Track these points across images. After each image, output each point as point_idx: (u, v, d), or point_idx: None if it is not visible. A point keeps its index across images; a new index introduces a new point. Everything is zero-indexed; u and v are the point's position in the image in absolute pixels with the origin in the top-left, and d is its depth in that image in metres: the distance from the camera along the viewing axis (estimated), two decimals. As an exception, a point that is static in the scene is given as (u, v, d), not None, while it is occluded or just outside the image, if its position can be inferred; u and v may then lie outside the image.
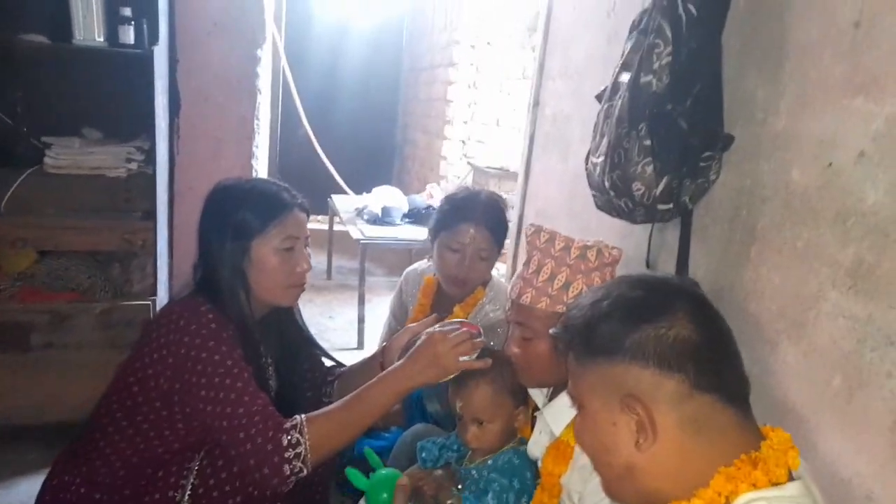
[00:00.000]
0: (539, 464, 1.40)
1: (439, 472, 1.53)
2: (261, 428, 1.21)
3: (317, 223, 5.37)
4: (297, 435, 1.22)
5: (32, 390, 2.09)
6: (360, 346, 3.37)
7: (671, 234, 1.71)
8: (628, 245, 1.94)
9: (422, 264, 2.17)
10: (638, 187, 1.55)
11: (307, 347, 1.64)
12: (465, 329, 1.34)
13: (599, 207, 1.78)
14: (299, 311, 1.60)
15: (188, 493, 1.30)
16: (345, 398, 1.31)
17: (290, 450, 1.20)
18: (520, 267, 1.37)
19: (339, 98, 6.21)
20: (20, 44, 1.95)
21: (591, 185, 1.77)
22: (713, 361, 0.78)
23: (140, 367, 1.34)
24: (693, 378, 0.75)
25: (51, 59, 2.10)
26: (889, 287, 1.10)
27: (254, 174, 2.73)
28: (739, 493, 0.71)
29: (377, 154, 6.63)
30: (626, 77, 1.59)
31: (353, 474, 1.42)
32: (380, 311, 3.53)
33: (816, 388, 1.22)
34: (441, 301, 2.02)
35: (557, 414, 1.34)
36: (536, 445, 1.41)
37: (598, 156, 1.69)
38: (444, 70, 5.25)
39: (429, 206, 3.74)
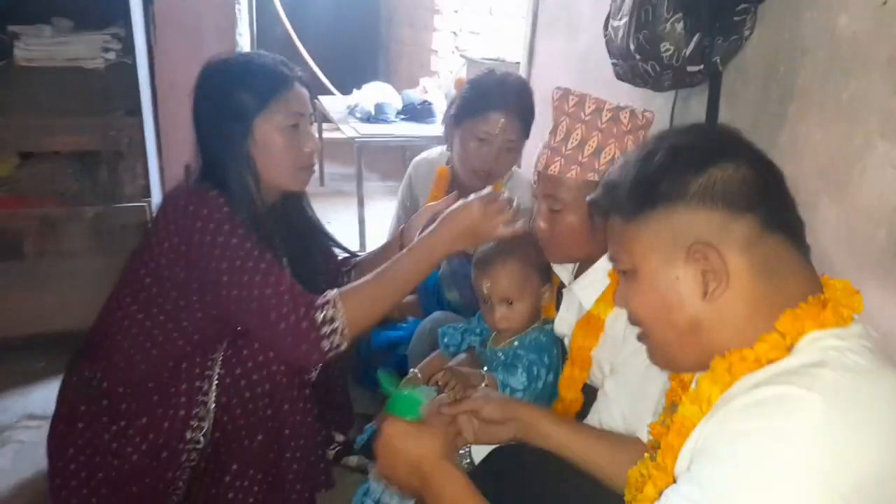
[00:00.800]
0: (567, 341, 1.38)
1: (462, 356, 1.50)
2: (293, 306, 1.16)
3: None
4: (332, 310, 1.18)
5: (31, 300, 2.02)
6: (363, 248, 3.31)
7: (696, 101, 1.61)
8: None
9: (432, 153, 2.05)
10: (666, 48, 1.44)
11: (319, 237, 1.56)
12: (504, 197, 1.26)
13: (620, 77, 1.68)
14: (308, 199, 1.51)
15: (215, 382, 1.26)
16: (375, 271, 1.25)
17: (326, 325, 1.16)
18: (545, 135, 1.27)
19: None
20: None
21: (611, 52, 1.66)
22: (780, 199, 0.73)
23: (151, 259, 1.27)
24: (764, 217, 0.71)
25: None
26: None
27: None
28: (806, 332, 0.67)
29: (360, 53, 6.29)
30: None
31: (385, 378, 1.37)
32: (377, 214, 3.45)
33: (859, 245, 1.18)
34: (458, 194, 1.92)
35: (587, 288, 1.30)
36: (563, 322, 1.38)
37: (620, 17, 1.56)
38: (430, -44, 4.90)
39: (424, 102, 3.56)
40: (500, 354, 1.41)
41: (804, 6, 1.30)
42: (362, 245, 3.39)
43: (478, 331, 1.53)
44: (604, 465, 1.07)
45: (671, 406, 0.89)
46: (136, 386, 1.28)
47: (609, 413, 1.21)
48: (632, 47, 1.50)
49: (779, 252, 0.72)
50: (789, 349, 0.67)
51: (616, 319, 1.24)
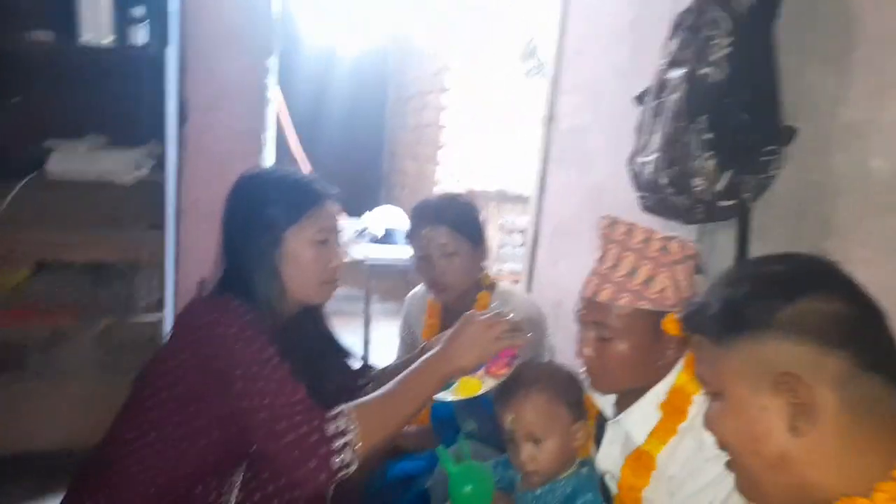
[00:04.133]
0: (608, 478, 1.30)
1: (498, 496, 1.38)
2: (303, 418, 1.10)
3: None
4: (345, 423, 1.11)
5: (28, 416, 1.90)
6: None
7: (722, 236, 1.64)
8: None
9: (421, 288, 2.08)
10: (698, 183, 1.49)
11: (336, 350, 1.52)
12: (497, 311, 1.28)
13: (648, 209, 1.71)
14: (325, 312, 1.48)
15: None
16: (385, 386, 1.20)
17: (338, 439, 1.09)
18: (592, 263, 1.27)
19: (322, 125, 6.13)
20: (23, 42, 1.82)
21: (638, 186, 1.71)
22: (878, 338, 0.71)
23: (168, 371, 1.21)
24: (858, 355, 0.68)
25: (55, 58, 1.96)
26: None
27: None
28: None
29: (362, 184, 6.55)
30: (677, 73, 1.54)
31: (445, 455, 1.28)
32: (378, 335, 3.40)
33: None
34: (449, 318, 1.90)
35: (637, 422, 1.24)
36: (607, 458, 1.29)
37: (649, 154, 1.63)
38: (435, 96, 5.22)
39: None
40: (538, 498, 1.30)
41: (834, 149, 1.37)
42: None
43: (505, 476, 1.41)
44: None
45: None
46: None
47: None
48: (663, 181, 1.55)
49: (877, 393, 0.68)
50: None
51: (670, 457, 1.17)
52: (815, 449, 0.69)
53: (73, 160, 1.94)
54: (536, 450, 1.26)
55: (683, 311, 0.85)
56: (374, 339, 3.37)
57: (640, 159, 1.68)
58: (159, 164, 2.04)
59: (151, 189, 2.03)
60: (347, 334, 1.42)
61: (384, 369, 1.55)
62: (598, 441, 1.34)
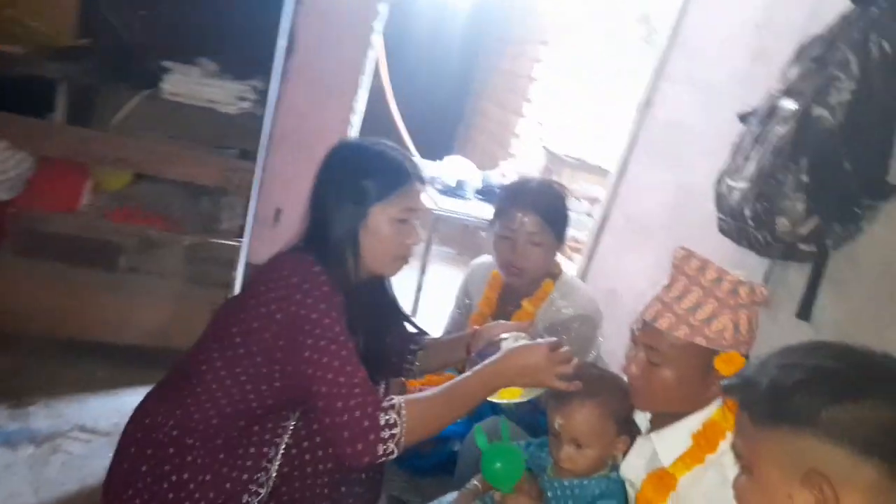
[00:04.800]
0: (629, 486, 1.37)
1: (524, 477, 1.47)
2: (360, 402, 1.18)
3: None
4: (395, 416, 1.19)
5: (111, 310, 2.10)
6: (415, 314, 3.35)
7: (795, 273, 1.62)
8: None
9: (487, 258, 2.12)
10: (783, 223, 1.48)
11: (397, 317, 1.62)
12: (567, 349, 1.32)
13: (724, 232, 1.71)
14: (390, 280, 1.57)
15: (281, 451, 1.28)
16: (443, 386, 1.27)
17: (387, 430, 1.17)
18: (658, 289, 1.30)
19: (409, 58, 6.07)
20: (149, -38, 1.91)
21: (720, 207, 1.69)
22: None
23: (245, 319, 1.31)
24: (894, 468, 0.70)
25: (181, -20, 2.05)
26: None
27: (349, 129, 2.68)
28: None
29: (444, 120, 6.52)
30: (789, 104, 1.50)
31: (480, 433, 1.39)
32: (437, 282, 3.50)
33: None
34: (508, 295, 1.97)
35: (668, 444, 1.29)
36: (631, 468, 1.36)
37: (740, 180, 1.60)
38: (533, 47, 5.09)
39: (501, 186, 3.66)
40: (557, 486, 1.39)
41: (932, 218, 1.33)
42: (415, 310, 3.44)
43: (536, 457, 1.50)
44: None
45: None
46: (206, 440, 1.29)
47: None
48: (747, 213, 1.53)
49: None
50: None
51: (692, 484, 1.23)
52: None
53: (186, 83, 2.06)
54: (577, 453, 1.34)
55: (732, 380, 0.88)
56: (427, 280, 3.46)
57: (729, 181, 1.66)
58: (261, 99, 2.12)
59: (250, 120, 2.13)
60: (402, 275, 1.48)
61: (436, 340, 1.63)
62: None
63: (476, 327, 1.58)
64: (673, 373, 1.23)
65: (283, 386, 1.32)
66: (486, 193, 3.69)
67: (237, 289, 2.27)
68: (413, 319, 1.70)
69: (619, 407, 1.33)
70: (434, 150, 4.86)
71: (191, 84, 2.05)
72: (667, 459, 1.28)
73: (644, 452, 1.35)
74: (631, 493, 1.36)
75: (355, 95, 2.60)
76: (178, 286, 2.12)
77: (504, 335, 1.44)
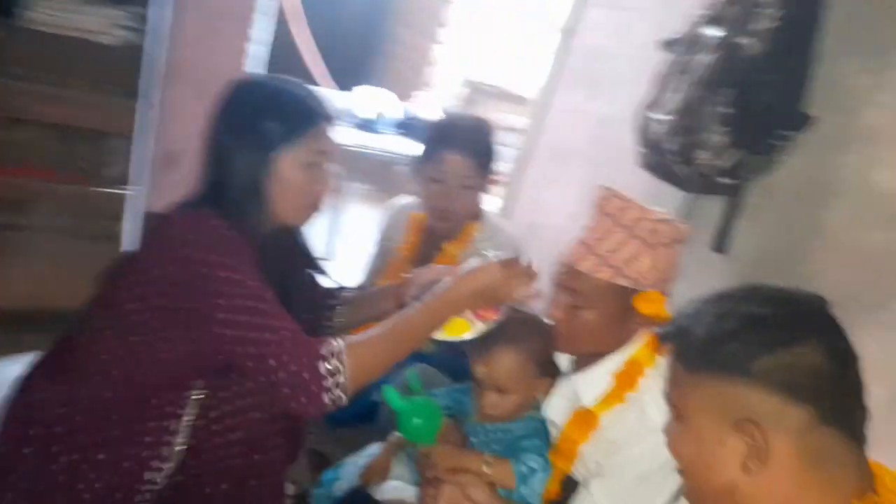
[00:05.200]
0: (551, 427, 1.37)
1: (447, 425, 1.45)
2: (294, 355, 1.10)
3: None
4: (337, 362, 1.11)
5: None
6: (330, 256, 3.22)
7: (711, 203, 1.63)
8: (658, 206, 1.86)
9: (405, 199, 2.03)
10: (703, 156, 1.46)
11: (311, 271, 1.51)
12: (522, 261, 1.25)
13: (645, 166, 1.68)
14: (302, 231, 1.45)
15: (186, 423, 1.18)
16: (384, 324, 1.20)
17: (329, 378, 1.09)
18: (580, 229, 1.26)
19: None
20: None
21: (642, 141, 1.66)
22: (845, 395, 0.74)
23: (137, 283, 1.18)
24: (824, 410, 0.71)
25: None
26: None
27: (245, 59, 2.45)
28: None
29: (358, 46, 6.18)
30: (714, 32, 1.45)
31: (390, 393, 1.33)
32: (355, 221, 3.38)
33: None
34: (430, 238, 1.90)
35: (589, 384, 1.29)
36: (554, 409, 1.36)
37: (663, 113, 1.57)
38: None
39: (423, 120, 3.50)
40: (490, 433, 1.38)
41: (843, 150, 1.34)
42: (332, 254, 3.31)
43: (460, 402, 1.48)
44: None
45: None
46: (98, 417, 1.18)
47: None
48: (668, 147, 1.51)
49: (832, 445, 0.72)
50: None
51: (614, 423, 1.24)
52: (762, 487, 0.73)
53: (50, 9, 1.77)
54: (500, 399, 1.32)
55: (668, 328, 0.86)
56: (344, 221, 3.33)
57: (651, 115, 1.62)
58: (144, 27, 1.88)
59: (133, 52, 1.89)
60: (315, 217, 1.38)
61: (360, 294, 1.54)
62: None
63: (406, 275, 1.48)
64: (595, 314, 1.22)
65: (186, 352, 1.21)
66: (407, 127, 3.53)
67: (127, 242, 2.08)
68: (330, 272, 1.61)
69: (541, 350, 1.31)
70: (347, 76, 4.60)
71: (57, 11, 1.77)
72: (588, 399, 1.28)
73: (566, 393, 1.35)
74: (554, 432, 1.36)
75: (249, 20, 2.36)
76: (57, 242, 1.91)
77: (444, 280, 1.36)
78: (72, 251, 1.94)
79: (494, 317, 1.28)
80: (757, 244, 1.52)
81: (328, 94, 4.17)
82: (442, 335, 1.26)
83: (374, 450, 1.51)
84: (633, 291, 1.20)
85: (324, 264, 1.58)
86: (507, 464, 1.29)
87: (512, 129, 4.19)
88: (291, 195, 1.25)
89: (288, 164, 1.22)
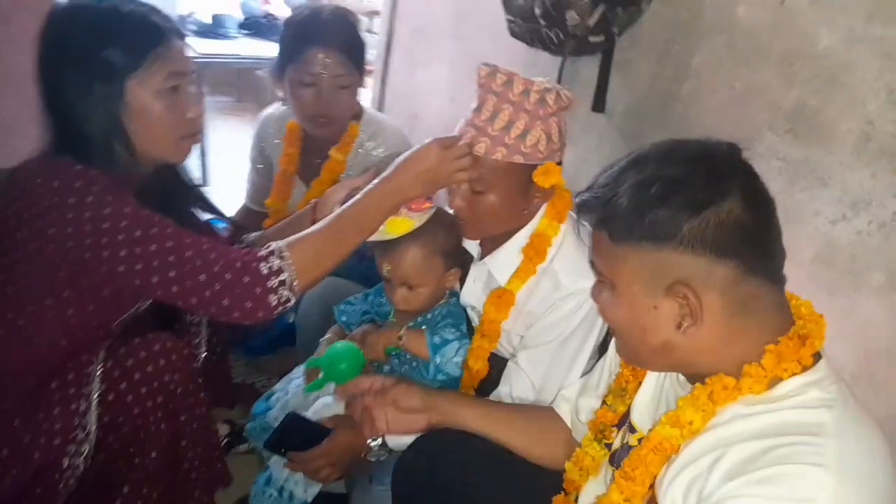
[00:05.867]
0: (471, 311, 1.40)
1: (364, 327, 1.45)
2: (225, 263, 1.02)
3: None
4: (278, 261, 1.04)
5: None
6: (206, 183, 2.99)
7: (585, 65, 1.63)
8: (532, 76, 1.84)
9: (278, 107, 1.88)
10: (573, 17, 1.43)
11: (199, 209, 1.38)
12: (460, 141, 1.18)
13: (515, 35, 1.63)
14: (185, 165, 1.31)
15: (95, 400, 1.09)
16: (325, 219, 1.13)
17: (273, 278, 1.03)
18: (468, 113, 1.21)
19: None
20: None
21: (509, 9, 1.60)
22: (766, 243, 0.76)
23: (18, 244, 1.03)
24: (748, 262, 0.73)
25: None
26: (830, 131, 1.16)
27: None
28: (789, 374, 0.72)
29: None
30: None
31: (311, 365, 1.32)
32: (222, 138, 3.12)
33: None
34: (310, 147, 1.79)
35: (501, 264, 1.31)
36: (470, 294, 1.39)
37: (524, -25, 1.50)
38: None
39: (268, 16, 3.21)
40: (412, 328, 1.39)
41: (705, -10, 1.35)
42: (205, 179, 3.07)
43: (377, 304, 1.47)
44: (528, 445, 1.12)
45: (620, 391, 0.95)
46: None
47: (520, 384, 1.28)
48: (537, 12, 1.46)
49: (757, 292, 0.75)
50: (770, 383, 0.73)
51: (529, 296, 1.28)
52: (698, 342, 0.76)
53: None
54: (411, 294, 1.32)
55: (585, 197, 0.83)
56: (211, 141, 3.07)
57: (513, -22, 1.55)
58: None
59: None
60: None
61: (268, 232, 1.42)
62: (463, 278, 1.42)
63: (314, 200, 1.38)
64: (497, 196, 1.21)
65: (78, 315, 1.10)
66: (252, 27, 3.22)
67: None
68: (225, 214, 1.48)
69: (445, 241, 1.30)
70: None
71: None
72: (502, 278, 1.30)
73: (480, 276, 1.37)
74: (474, 316, 1.39)
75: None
76: None
77: (359, 192, 1.28)
78: None
79: (427, 206, 1.24)
80: (633, 97, 1.56)
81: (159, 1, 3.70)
82: (384, 234, 1.21)
83: (297, 372, 1.48)
84: (531, 166, 1.19)
85: (219, 209, 1.45)
86: (421, 334, 1.31)
87: (367, 13, 3.95)
88: (154, 128, 1.10)
89: (141, 94, 1.08)
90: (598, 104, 1.58)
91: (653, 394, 0.90)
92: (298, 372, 1.48)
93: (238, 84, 3.87)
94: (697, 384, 0.77)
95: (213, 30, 3.08)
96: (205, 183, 3.06)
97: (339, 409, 1.37)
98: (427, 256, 1.29)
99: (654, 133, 1.49)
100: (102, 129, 1.06)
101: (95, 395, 1.10)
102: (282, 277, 1.04)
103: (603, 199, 0.78)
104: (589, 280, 1.21)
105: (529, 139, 1.17)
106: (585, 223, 0.86)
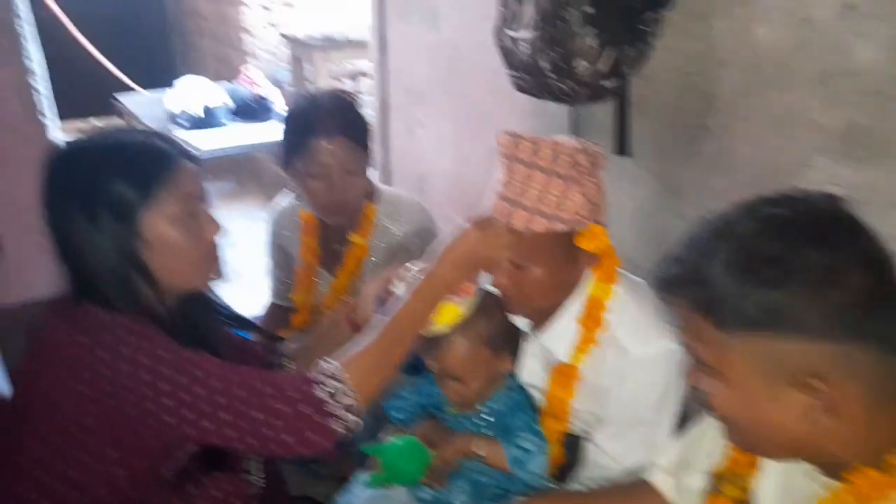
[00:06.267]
0: (531, 390, 1.31)
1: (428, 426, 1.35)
2: (280, 396, 0.95)
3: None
4: (336, 383, 0.98)
5: None
6: (223, 275, 2.91)
7: (601, 112, 1.57)
8: (543, 126, 1.79)
9: (287, 200, 1.83)
10: (582, 65, 1.37)
11: (232, 329, 1.31)
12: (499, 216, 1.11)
13: (522, 90, 1.57)
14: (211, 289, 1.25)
15: None
16: (372, 329, 1.06)
17: (333, 402, 0.97)
18: (494, 182, 1.14)
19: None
20: None
21: (511, 64, 1.54)
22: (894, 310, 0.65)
23: (48, 423, 0.98)
24: (880, 341, 0.64)
25: None
26: (889, 149, 1.08)
27: (35, 96, 2.05)
28: None
29: (148, 37, 5.51)
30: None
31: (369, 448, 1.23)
32: (233, 227, 3.08)
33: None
34: (328, 234, 1.73)
35: (557, 338, 1.23)
36: (530, 372, 1.30)
37: (520, 28, 1.45)
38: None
39: (258, 98, 3.19)
40: (473, 419, 1.30)
41: (716, 16, 1.29)
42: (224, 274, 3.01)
43: (432, 395, 1.38)
44: None
45: (734, 476, 0.86)
46: None
47: (607, 466, 1.20)
48: (543, 65, 1.40)
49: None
50: None
51: (595, 367, 1.19)
52: (829, 433, 0.67)
53: None
54: (462, 387, 1.24)
55: (669, 272, 0.74)
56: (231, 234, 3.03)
57: (510, 33, 1.49)
58: None
59: None
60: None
61: (306, 343, 1.36)
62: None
63: (348, 301, 1.31)
64: (541, 269, 1.14)
65: (136, 469, 1.03)
66: (244, 112, 3.21)
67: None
68: (264, 329, 1.43)
69: (489, 328, 1.21)
70: (156, 74, 4.11)
71: None
72: (562, 353, 1.22)
73: (535, 351, 1.29)
74: (536, 394, 1.30)
75: (20, 50, 1.95)
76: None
77: (392, 286, 1.20)
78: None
79: (471, 289, 1.16)
80: (657, 136, 1.49)
81: (137, 95, 3.72)
82: (440, 327, 1.14)
83: (360, 482, 1.38)
84: (573, 232, 1.12)
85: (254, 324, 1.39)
86: (496, 445, 1.21)
87: (353, 75, 3.94)
88: (176, 258, 1.04)
89: (157, 225, 1.02)
90: (622, 147, 1.52)
91: (778, 484, 0.80)
92: (359, 481, 1.39)
93: (236, 169, 3.85)
94: (841, 485, 0.68)
95: (206, 122, 3.07)
96: (225, 278, 3.00)
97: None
98: (473, 349, 1.21)
99: (689, 170, 1.41)
100: (121, 269, 1.01)
101: None
102: (342, 401, 0.97)
103: (695, 279, 0.69)
104: (657, 342, 1.14)
105: (568, 204, 1.10)
106: (669, 301, 0.77)
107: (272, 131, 3.09)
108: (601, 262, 1.19)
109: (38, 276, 2.06)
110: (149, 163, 1.02)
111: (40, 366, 0.98)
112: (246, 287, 2.33)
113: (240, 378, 0.97)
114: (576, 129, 1.62)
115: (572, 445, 1.25)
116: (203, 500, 1.07)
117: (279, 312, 1.87)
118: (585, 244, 1.14)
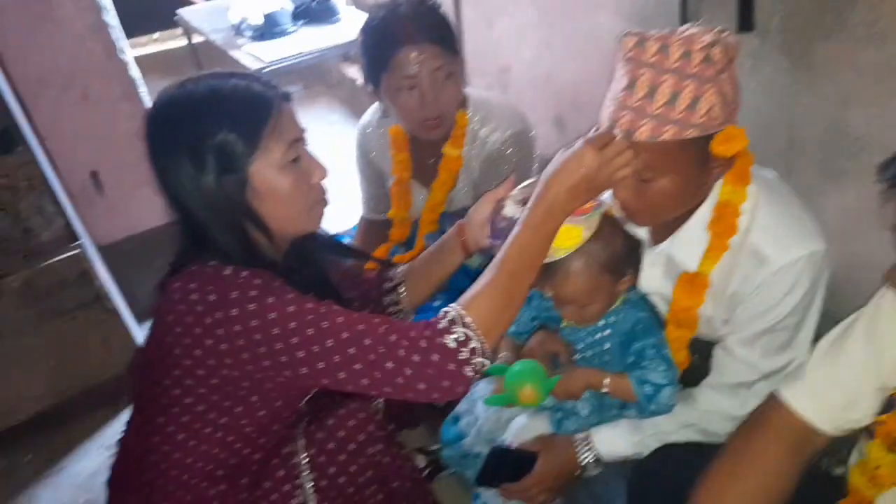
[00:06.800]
0: (654, 297, 1.26)
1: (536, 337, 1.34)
2: (409, 345, 0.95)
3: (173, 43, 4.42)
4: (461, 329, 0.96)
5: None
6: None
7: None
8: (649, 10, 1.60)
9: (374, 116, 1.75)
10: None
11: (342, 262, 1.32)
12: (620, 129, 1.01)
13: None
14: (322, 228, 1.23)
15: (310, 489, 1.09)
16: (493, 265, 1.02)
17: (463, 348, 0.95)
18: (613, 89, 1.03)
19: None
20: None
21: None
22: None
23: (182, 370, 1.01)
24: None
25: None
26: None
27: (110, 30, 2.00)
28: None
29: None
30: None
31: (493, 400, 1.26)
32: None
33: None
34: (421, 149, 1.66)
35: (686, 247, 1.16)
36: (652, 280, 1.24)
37: None
38: None
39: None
40: (591, 335, 1.27)
41: None
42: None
43: (545, 308, 1.35)
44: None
45: None
46: None
47: (735, 371, 1.16)
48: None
49: None
50: None
51: (728, 276, 1.13)
52: None
53: None
54: (581, 310, 1.21)
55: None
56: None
57: None
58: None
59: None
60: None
61: (414, 264, 1.33)
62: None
63: (460, 222, 1.25)
64: (671, 180, 1.05)
65: (269, 413, 1.08)
66: (306, 15, 3.06)
67: (111, 293, 1.84)
68: (371, 256, 1.41)
69: (609, 253, 1.15)
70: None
71: None
72: (691, 263, 1.16)
73: (657, 261, 1.22)
74: (660, 304, 1.26)
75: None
76: (33, 338, 1.69)
77: (504, 204, 1.15)
78: (62, 336, 1.73)
79: (591, 206, 1.09)
80: (788, 7, 1.30)
81: (197, 8, 3.57)
82: (556, 252, 1.07)
83: (479, 391, 1.41)
84: (707, 137, 1.02)
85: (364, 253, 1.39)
86: (625, 381, 1.18)
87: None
88: (287, 205, 1.02)
89: (266, 173, 0.99)
90: (745, 22, 1.34)
91: None
92: (478, 390, 1.42)
93: (304, 73, 3.76)
94: None
95: (268, 30, 2.95)
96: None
97: (540, 428, 1.31)
98: (593, 276, 1.15)
99: (829, 45, 1.24)
100: (235, 221, 1.00)
101: (310, 485, 1.09)
102: (471, 345, 0.95)
103: None
104: (801, 246, 1.06)
105: (702, 107, 0.99)
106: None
107: (337, 34, 2.95)
108: (734, 162, 1.08)
109: (140, 209, 2.15)
110: (252, 112, 0.98)
111: (172, 327, 0.99)
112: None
113: (367, 328, 0.96)
114: (686, 6, 1.44)
115: (701, 350, 1.21)
116: (344, 431, 1.13)
117: (373, 227, 1.87)
118: (722, 149, 1.03)
